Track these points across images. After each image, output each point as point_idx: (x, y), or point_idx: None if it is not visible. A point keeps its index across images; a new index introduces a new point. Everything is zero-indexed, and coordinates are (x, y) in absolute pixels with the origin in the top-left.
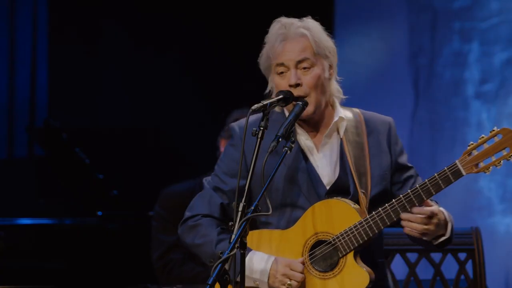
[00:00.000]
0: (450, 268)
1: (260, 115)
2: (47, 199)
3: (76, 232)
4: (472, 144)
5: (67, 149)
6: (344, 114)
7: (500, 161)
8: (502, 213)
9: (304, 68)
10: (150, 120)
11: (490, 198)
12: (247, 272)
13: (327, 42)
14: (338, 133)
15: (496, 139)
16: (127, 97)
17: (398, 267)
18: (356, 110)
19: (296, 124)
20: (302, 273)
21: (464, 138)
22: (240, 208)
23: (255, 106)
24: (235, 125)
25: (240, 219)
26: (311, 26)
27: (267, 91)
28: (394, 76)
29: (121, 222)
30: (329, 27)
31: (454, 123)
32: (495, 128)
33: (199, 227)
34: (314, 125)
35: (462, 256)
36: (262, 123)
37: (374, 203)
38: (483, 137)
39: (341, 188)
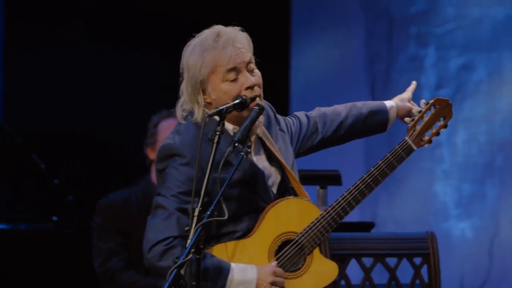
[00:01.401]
0: (405, 273)
1: (191, 131)
2: (2, 205)
3: (32, 238)
4: (412, 119)
5: (22, 153)
6: None
7: (439, 131)
8: (457, 218)
9: (251, 69)
10: (107, 124)
11: (446, 203)
12: (228, 284)
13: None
14: (258, 134)
15: (432, 111)
16: (85, 101)
17: (353, 271)
18: None
19: (233, 128)
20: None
21: None
22: (196, 213)
23: (212, 111)
24: (179, 143)
25: (196, 224)
26: (244, 33)
27: (201, 104)
28: (350, 82)
29: (77, 227)
30: (286, 34)
31: None
32: (424, 101)
33: (174, 249)
34: None
35: (417, 260)
36: (219, 128)
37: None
38: (420, 111)
39: (286, 187)
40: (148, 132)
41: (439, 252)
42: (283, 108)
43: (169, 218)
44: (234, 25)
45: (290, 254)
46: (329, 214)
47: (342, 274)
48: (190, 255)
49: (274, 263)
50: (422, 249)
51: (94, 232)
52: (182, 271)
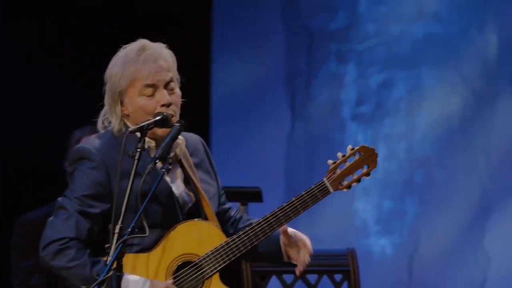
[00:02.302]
0: None
1: (107, 139)
2: None
3: None
4: (334, 162)
5: None
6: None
7: (360, 178)
8: (377, 234)
9: (171, 88)
10: (24, 138)
11: (366, 220)
12: None
13: (176, 68)
14: (177, 155)
15: (356, 157)
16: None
17: None
18: None
19: (153, 145)
20: None
21: None
22: (117, 230)
23: (132, 128)
24: (91, 147)
25: (117, 241)
26: (169, 50)
27: (118, 114)
28: (270, 97)
29: None
30: (207, 50)
31: (331, 144)
32: (351, 146)
33: (68, 250)
34: None
35: (338, 277)
36: (140, 145)
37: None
38: (344, 155)
39: (197, 211)
40: (70, 147)
41: (359, 269)
42: (203, 124)
43: (69, 219)
44: (161, 41)
45: (188, 275)
46: (234, 242)
47: None
48: (111, 272)
49: (171, 281)
50: (342, 265)
51: (13, 251)
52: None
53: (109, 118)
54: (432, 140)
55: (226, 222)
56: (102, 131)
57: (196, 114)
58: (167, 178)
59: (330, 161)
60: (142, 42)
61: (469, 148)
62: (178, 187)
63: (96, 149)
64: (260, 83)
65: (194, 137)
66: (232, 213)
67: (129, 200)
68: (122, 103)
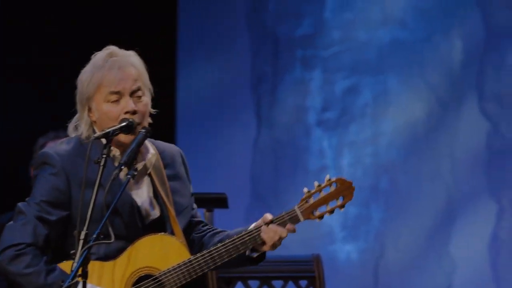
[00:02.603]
0: None
1: (72, 145)
2: None
3: None
4: (308, 191)
5: None
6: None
7: (334, 210)
8: (342, 240)
9: (138, 96)
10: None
11: (331, 226)
12: None
13: (148, 77)
14: (147, 168)
15: (332, 188)
16: None
17: None
18: (148, 140)
19: (118, 154)
20: None
21: (305, 165)
22: (82, 237)
23: (98, 134)
24: (53, 153)
25: (82, 248)
26: (138, 59)
27: (84, 119)
28: (236, 103)
29: None
30: (172, 57)
31: (296, 150)
32: (328, 177)
33: (24, 256)
34: None
35: (303, 283)
36: (105, 151)
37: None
38: (319, 185)
39: (160, 224)
40: (34, 153)
41: (325, 275)
42: (169, 129)
43: (26, 225)
44: (126, 47)
45: None
46: (197, 261)
47: None
48: (76, 279)
49: None
50: (307, 271)
51: None
52: None
53: (78, 124)
54: (398, 146)
55: (196, 236)
56: (72, 135)
57: (161, 119)
58: (131, 188)
59: (305, 190)
60: (111, 49)
61: (434, 154)
62: (142, 198)
63: (59, 155)
64: (226, 89)
65: (173, 149)
66: (204, 227)
67: (94, 206)
68: (90, 110)
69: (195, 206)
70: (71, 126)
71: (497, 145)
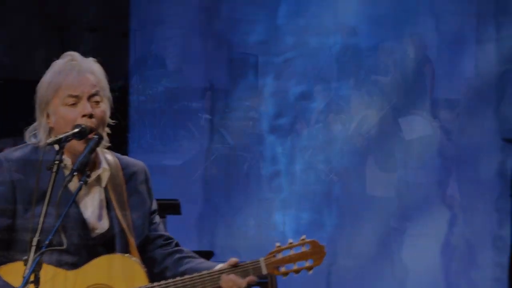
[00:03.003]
0: None
1: (26, 151)
2: None
3: None
4: (279, 246)
5: None
6: (106, 159)
7: (300, 271)
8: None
9: (96, 101)
10: None
11: (284, 232)
12: None
13: (107, 86)
14: (101, 181)
15: (304, 248)
16: None
17: None
18: (112, 154)
19: (69, 163)
20: None
21: (258, 172)
22: (35, 243)
23: (50, 140)
24: (3, 159)
25: (35, 254)
26: (98, 66)
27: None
28: (189, 109)
29: None
30: (125, 63)
31: (249, 156)
32: (304, 237)
33: None
34: None
35: None
36: (58, 157)
37: (139, 250)
38: (291, 243)
39: (109, 240)
40: None
41: (277, 281)
42: (121, 135)
43: None
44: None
45: None
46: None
47: None
48: (28, 285)
49: None
50: (260, 278)
51: None
52: None
53: (37, 131)
54: (350, 152)
55: (158, 254)
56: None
57: (114, 125)
58: (80, 198)
59: (277, 244)
60: (72, 54)
61: (387, 160)
62: (89, 210)
63: (8, 161)
64: (179, 95)
65: (137, 165)
66: (168, 244)
67: (46, 215)
68: (48, 116)
69: (157, 220)
70: (28, 133)
71: (449, 151)
